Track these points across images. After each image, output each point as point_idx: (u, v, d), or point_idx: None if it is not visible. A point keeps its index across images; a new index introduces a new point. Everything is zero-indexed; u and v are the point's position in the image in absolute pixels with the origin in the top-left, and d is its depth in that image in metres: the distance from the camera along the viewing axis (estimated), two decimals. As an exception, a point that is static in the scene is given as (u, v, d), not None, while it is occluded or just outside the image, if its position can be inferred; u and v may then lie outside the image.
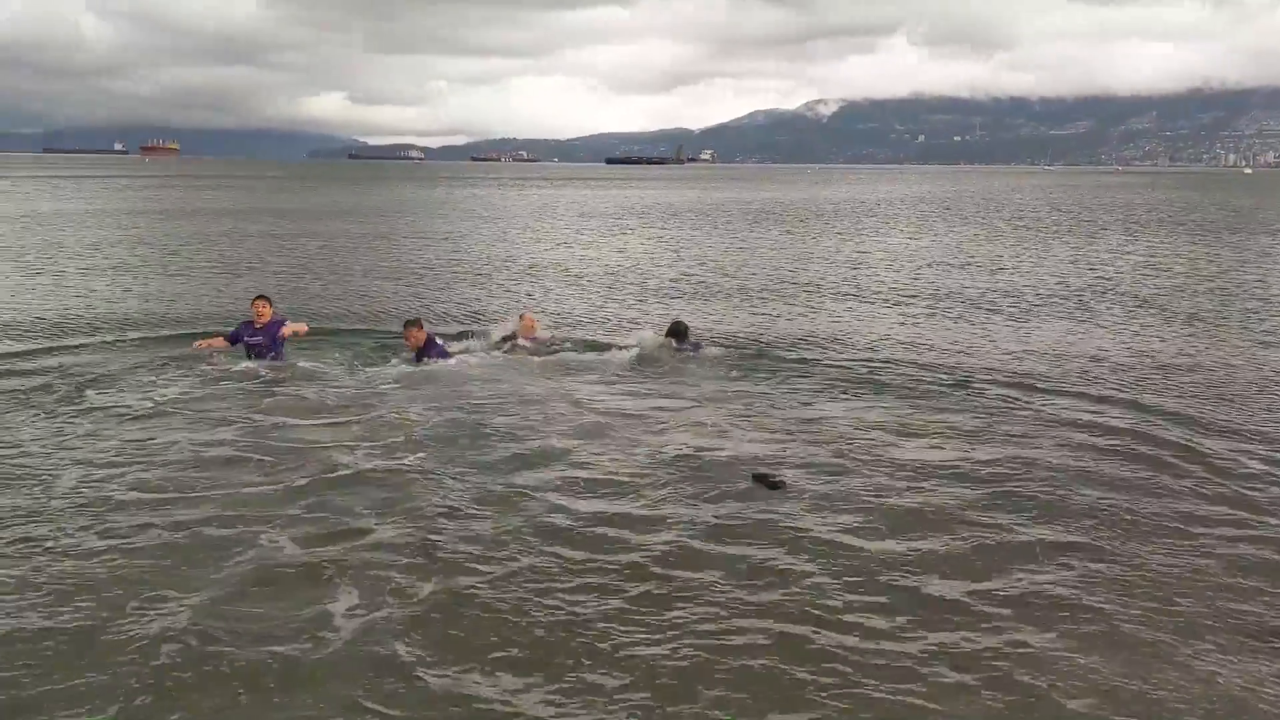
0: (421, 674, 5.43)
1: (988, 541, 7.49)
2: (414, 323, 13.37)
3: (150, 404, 11.13)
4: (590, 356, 13.91)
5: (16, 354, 13.80)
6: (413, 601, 6.22)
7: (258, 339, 12.81)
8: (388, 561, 6.81)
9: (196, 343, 13.58)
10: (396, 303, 19.66)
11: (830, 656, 5.72)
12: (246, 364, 12.58)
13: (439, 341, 13.37)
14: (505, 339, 14.26)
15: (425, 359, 12.93)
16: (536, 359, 13.67)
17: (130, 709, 5.08)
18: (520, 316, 14.97)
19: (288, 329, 12.93)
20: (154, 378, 12.40)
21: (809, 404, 11.72)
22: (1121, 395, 12.41)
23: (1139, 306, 20.33)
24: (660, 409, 11.15)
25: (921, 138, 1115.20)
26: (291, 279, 23.44)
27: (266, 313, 12.90)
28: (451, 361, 13.03)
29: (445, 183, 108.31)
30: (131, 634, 5.78)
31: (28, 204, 54.47)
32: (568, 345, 14.59)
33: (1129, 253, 33.01)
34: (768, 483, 8.46)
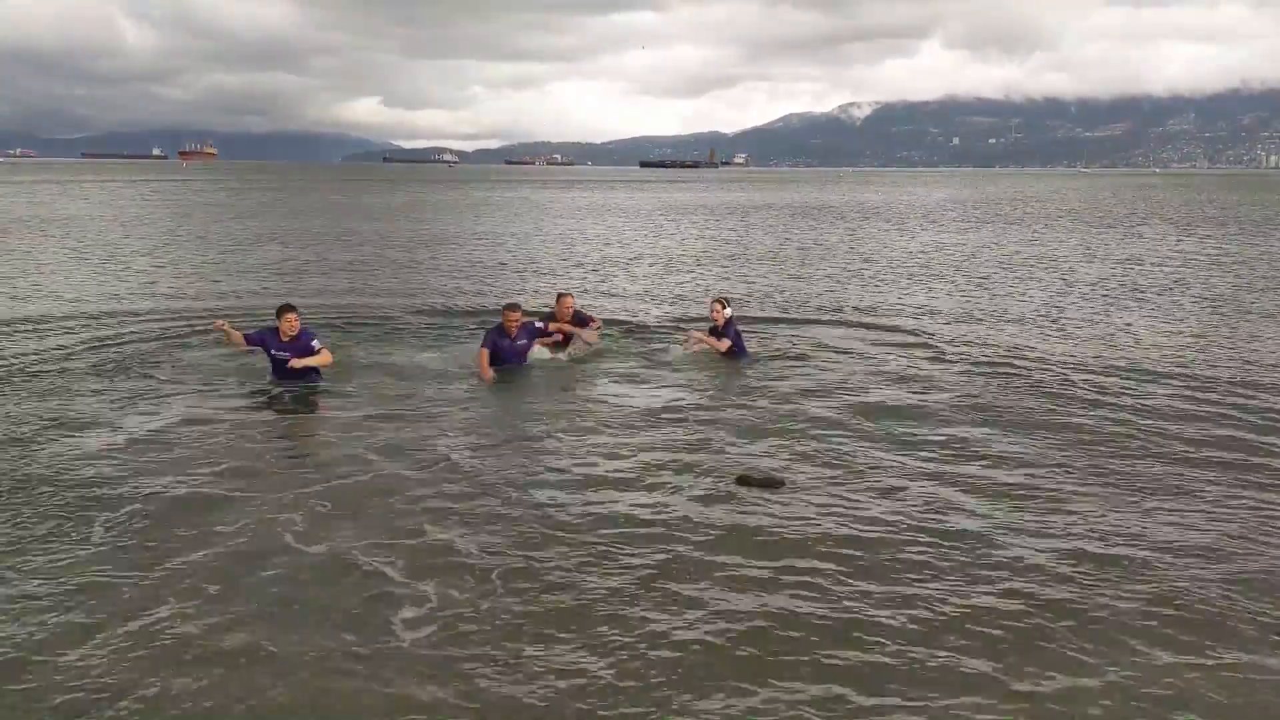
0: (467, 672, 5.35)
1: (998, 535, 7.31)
2: (513, 306, 12.62)
3: (198, 400, 11.02)
4: (632, 352, 13.74)
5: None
6: (460, 609, 6.07)
7: (286, 354, 11.46)
8: (430, 565, 6.66)
9: (217, 320, 12.43)
10: (451, 293, 19.51)
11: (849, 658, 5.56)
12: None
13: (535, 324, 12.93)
14: (543, 322, 13.29)
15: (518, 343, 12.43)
16: (579, 351, 13.29)
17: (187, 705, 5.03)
18: (558, 298, 13.69)
19: (315, 360, 11.51)
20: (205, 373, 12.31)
21: (842, 397, 11.44)
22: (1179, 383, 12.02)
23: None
24: (711, 417, 10.89)
25: (956, 140, 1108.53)
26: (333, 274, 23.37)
27: (295, 325, 11.52)
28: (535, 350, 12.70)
29: (477, 188, 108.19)
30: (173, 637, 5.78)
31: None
32: (608, 336, 14.19)
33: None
34: (758, 482, 8.10)
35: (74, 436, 9.26)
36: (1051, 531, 7.25)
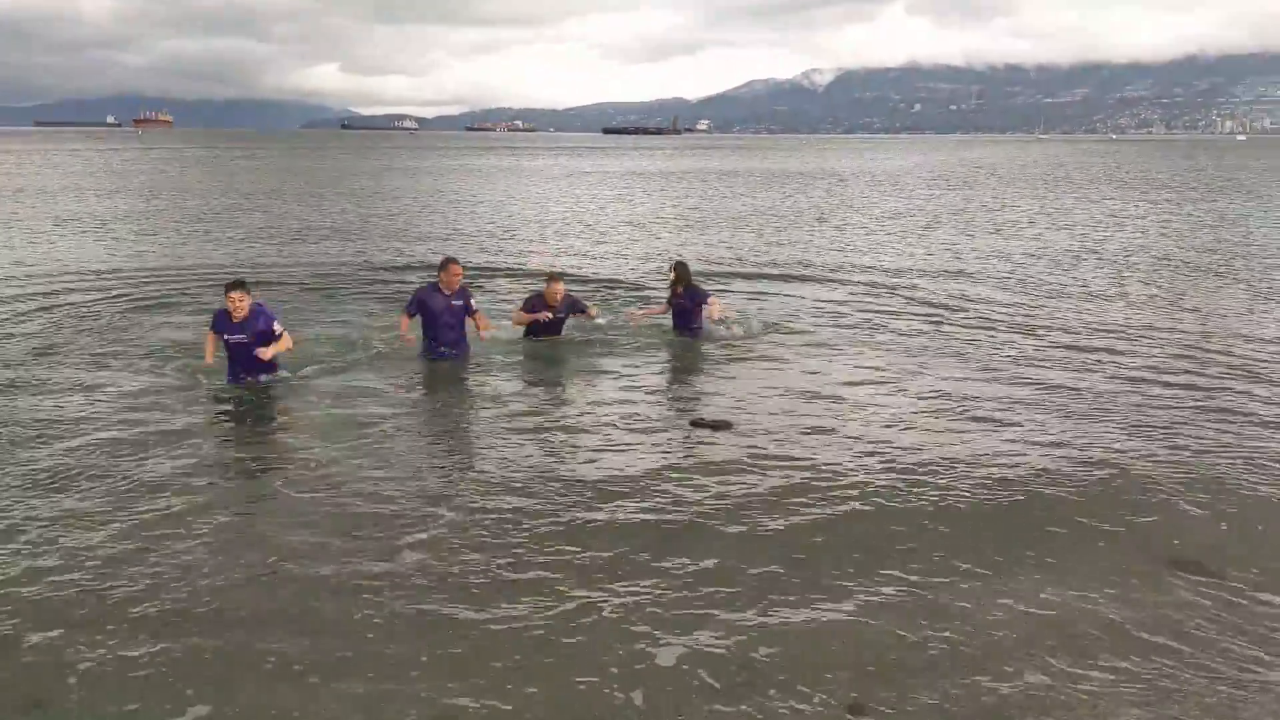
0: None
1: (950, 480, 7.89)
2: (453, 259, 11.57)
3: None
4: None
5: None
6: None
7: (239, 336, 9.98)
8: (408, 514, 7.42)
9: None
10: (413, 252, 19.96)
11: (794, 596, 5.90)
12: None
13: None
14: (530, 305, 12.33)
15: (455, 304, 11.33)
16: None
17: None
18: (548, 280, 12.44)
19: (280, 346, 10.12)
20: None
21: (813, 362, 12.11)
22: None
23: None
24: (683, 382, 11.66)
25: (918, 106, 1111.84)
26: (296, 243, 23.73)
27: (244, 304, 9.96)
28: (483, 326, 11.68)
29: (447, 155, 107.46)
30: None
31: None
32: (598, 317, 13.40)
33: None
34: (709, 424, 8.97)
35: (46, 394, 9.78)
36: (988, 459, 7.95)
